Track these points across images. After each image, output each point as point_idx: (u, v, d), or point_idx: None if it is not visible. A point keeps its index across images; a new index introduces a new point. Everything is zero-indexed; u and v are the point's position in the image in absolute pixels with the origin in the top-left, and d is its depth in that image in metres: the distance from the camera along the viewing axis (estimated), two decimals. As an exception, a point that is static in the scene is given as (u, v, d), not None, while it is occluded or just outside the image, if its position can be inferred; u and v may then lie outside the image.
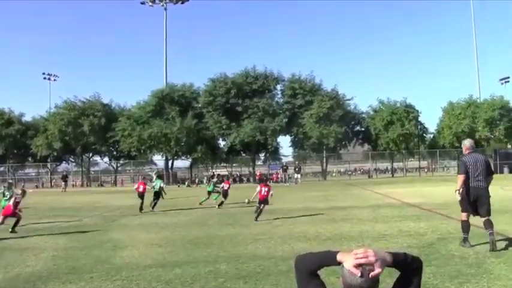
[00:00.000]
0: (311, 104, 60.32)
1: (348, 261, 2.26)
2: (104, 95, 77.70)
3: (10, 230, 14.97)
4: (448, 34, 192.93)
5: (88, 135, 60.97)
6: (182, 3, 69.21)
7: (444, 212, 16.21)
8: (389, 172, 68.23)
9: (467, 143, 10.80)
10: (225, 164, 69.23)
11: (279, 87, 64.90)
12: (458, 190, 10.29)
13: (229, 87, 60.45)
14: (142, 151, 60.70)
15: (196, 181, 62.41)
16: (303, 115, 60.57)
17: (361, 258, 2.22)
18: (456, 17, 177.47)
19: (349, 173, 76.33)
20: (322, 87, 63.61)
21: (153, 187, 23.45)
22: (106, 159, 70.09)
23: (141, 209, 21.84)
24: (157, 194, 23.05)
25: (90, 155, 68.96)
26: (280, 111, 61.71)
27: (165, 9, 68.62)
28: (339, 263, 2.32)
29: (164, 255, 10.87)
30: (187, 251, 11.29)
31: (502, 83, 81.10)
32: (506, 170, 58.90)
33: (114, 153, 67.22)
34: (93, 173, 74.97)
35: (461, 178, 10.26)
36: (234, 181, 62.63)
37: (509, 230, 12.28)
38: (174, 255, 10.85)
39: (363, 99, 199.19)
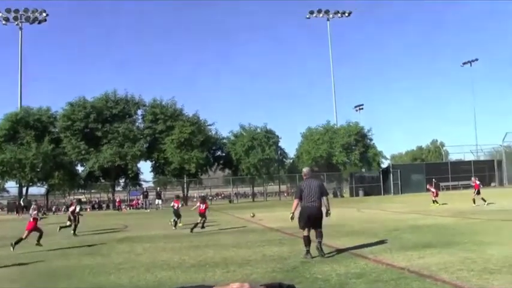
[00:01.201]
0: (172, 129, 60.37)
1: None
2: None
3: None
4: (306, 61, 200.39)
5: None
6: (39, 23, 66.59)
7: (305, 235, 16.61)
8: (250, 197, 69.33)
9: (305, 170, 13.10)
10: (83, 191, 66.94)
11: (140, 112, 64.62)
12: (293, 213, 12.56)
13: (88, 111, 58.82)
14: (-7, 178, 57.03)
15: (53, 209, 59.25)
16: (164, 140, 60.41)
17: None
18: (314, 46, 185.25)
19: (210, 198, 76.69)
20: (184, 112, 64.02)
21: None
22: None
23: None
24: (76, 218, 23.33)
25: None
26: (141, 136, 61.06)
27: (21, 28, 65.74)
28: None
29: (19, 291, 10.24)
30: (45, 285, 10.72)
31: (357, 110, 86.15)
32: (361, 192, 62.23)
33: (-40, 181, 62.27)
34: None
35: (295, 202, 12.57)
36: (93, 208, 60.70)
37: (366, 251, 12.91)
38: (31, 290, 10.25)
39: (224, 125, 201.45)
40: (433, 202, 32.33)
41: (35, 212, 18.28)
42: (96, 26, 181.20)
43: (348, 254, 12.58)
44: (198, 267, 11.92)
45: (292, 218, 12.65)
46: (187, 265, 12.36)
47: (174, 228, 23.52)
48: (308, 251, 12.11)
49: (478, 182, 31.46)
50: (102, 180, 64.10)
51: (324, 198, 12.52)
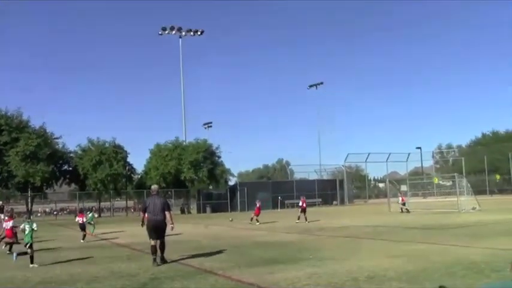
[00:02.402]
0: (17, 141, 58.24)
1: None
2: None
3: None
4: (158, 79, 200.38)
5: None
6: None
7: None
8: (97, 212, 68.34)
9: (153, 187, 15.29)
10: None
11: (-19, 123, 61.26)
12: (142, 221, 14.74)
13: None
14: None
15: None
16: (8, 153, 58.11)
17: None
18: (164, 63, 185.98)
19: (55, 212, 74.73)
20: (30, 124, 62.14)
21: None
22: None
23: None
24: None
25: None
26: (-17, 149, 58.20)
27: None
28: None
29: None
30: None
31: (206, 128, 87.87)
32: (208, 209, 63.52)
33: None
34: None
35: (141, 214, 14.87)
36: None
37: (216, 267, 13.08)
38: None
39: (72, 139, 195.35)
40: (255, 220, 33.22)
41: None
42: None
43: (197, 270, 12.60)
44: (44, 284, 11.57)
45: (142, 225, 14.77)
46: (32, 283, 11.87)
47: (82, 241, 23.15)
48: (155, 259, 13.88)
49: (301, 203, 33.47)
50: None
51: (167, 213, 14.40)
